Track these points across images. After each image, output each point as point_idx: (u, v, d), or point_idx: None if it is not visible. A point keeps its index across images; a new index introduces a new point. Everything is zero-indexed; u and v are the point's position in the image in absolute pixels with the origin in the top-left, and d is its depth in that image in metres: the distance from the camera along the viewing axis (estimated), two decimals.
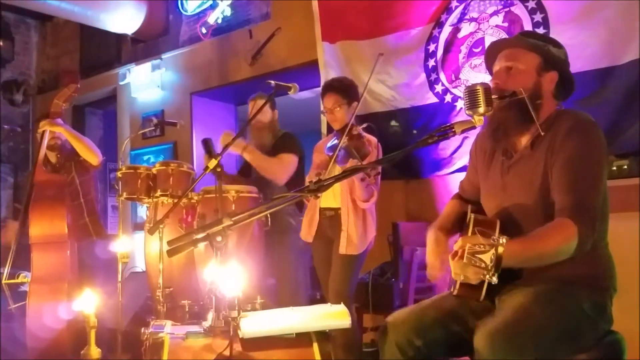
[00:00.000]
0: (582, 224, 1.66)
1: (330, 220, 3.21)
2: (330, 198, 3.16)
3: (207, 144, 3.09)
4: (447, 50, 3.95)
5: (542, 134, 1.84)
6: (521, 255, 1.65)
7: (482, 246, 1.49)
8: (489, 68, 2.10)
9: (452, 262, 1.68)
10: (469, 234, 1.75)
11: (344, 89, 3.25)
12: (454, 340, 1.85)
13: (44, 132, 3.76)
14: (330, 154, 2.98)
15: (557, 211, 1.73)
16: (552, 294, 1.74)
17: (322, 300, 3.45)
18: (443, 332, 1.85)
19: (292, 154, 3.57)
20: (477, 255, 1.46)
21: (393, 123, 4.16)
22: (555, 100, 1.95)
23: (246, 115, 3.96)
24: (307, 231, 3.31)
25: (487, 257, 1.46)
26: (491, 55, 2.06)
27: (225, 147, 2.95)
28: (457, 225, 2.07)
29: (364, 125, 3.03)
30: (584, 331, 1.73)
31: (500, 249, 1.49)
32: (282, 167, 3.51)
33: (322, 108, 3.35)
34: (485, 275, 1.48)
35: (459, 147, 3.80)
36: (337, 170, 3.03)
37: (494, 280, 1.50)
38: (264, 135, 3.67)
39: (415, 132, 4.06)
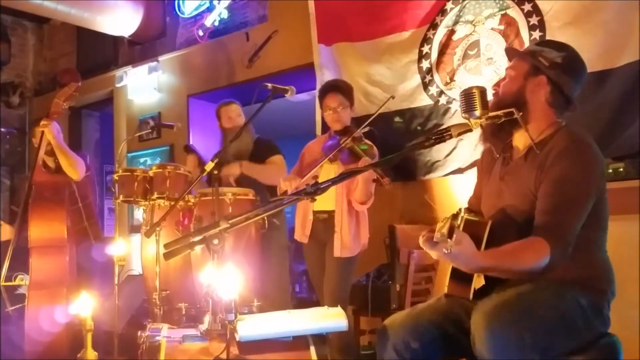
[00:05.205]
0: (556, 245, 1.70)
1: (324, 223, 3.20)
2: (324, 201, 3.11)
3: (189, 149, 3.13)
4: (441, 52, 3.95)
5: (538, 152, 1.86)
6: (493, 265, 1.71)
7: (445, 221, 1.58)
8: None
9: (422, 244, 1.72)
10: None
11: (347, 91, 3.28)
12: (450, 341, 1.87)
13: (42, 132, 3.66)
14: (328, 153, 2.98)
15: (534, 228, 1.77)
16: (549, 287, 1.77)
17: (318, 303, 3.44)
18: (439, 334, 1.86)
19: (280, 155, 3.72)
20: (441, 231, 1.55)
21: (397, 119, 4.16)
22: (552, 111, 1.93)
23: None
24: (302, 232, 3.29)
25: (445, 229, 1.54)
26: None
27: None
28: None
29: (366, 129, 3.03)
30: (578, 326, 1.75)
31: (455, 221, 1.57)
32: (279, 170, 3.64)
33: (324, 108, 3.28)
34: (445, 246, 1.55)
35: (454, 149, 3.80)
36: (334, 170, 3.04)
37: (453, 249, 1.56)
38: (243, 139, 3.69)
39: (410, 134, 4.06)
